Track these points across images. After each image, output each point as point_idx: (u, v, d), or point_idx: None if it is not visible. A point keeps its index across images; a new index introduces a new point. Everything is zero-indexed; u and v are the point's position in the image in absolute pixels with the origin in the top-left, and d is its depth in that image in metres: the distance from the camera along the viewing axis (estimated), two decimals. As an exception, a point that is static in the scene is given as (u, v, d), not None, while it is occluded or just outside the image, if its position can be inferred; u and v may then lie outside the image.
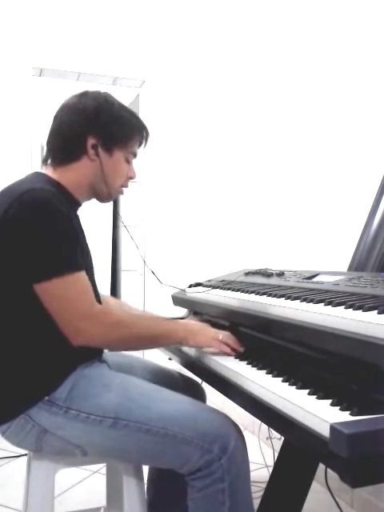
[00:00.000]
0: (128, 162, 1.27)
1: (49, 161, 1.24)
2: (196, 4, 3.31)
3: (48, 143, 1.25)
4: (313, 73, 2.13)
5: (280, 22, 2.40)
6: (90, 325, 1.08)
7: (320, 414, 0.74)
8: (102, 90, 1.27)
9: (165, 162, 3.61)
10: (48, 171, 1.23)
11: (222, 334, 1.21)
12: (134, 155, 1.29)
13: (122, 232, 4.23)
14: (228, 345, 1.19)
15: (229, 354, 1.18)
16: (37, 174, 1.21)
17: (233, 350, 1.19)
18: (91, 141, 1.19)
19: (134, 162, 1.32)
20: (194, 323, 1.29)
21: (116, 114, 1.22)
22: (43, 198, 1.07)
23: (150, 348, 1.30)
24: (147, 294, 3.90)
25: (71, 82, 3.80)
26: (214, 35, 3.14)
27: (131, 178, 1.30)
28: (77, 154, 1.20)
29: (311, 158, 2.14)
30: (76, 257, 1.09)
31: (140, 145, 1.30)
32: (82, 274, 1.09)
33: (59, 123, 1.22)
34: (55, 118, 1.23)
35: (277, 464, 1.51)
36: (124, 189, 1.31)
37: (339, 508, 1.62)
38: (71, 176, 1.21)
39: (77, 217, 1.23)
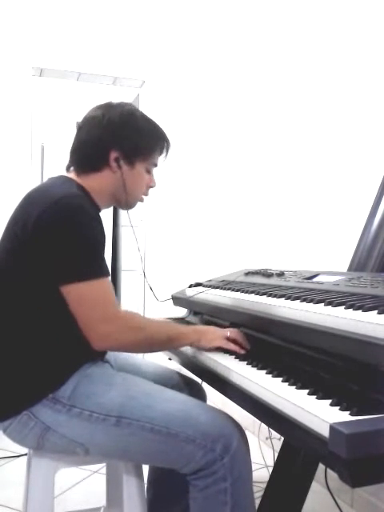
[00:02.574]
0: (148, 172, 1.31)
1: (71, 168, 1.27)
2: (196, 4, 3.31)
3: (72, 153, 1.27)
4: (313, 73, 2.13)
5: (280, 21, 2.40)
6: (114, 328, 1.10)
7: (320, 414, 0.74)
8: (127, 101, 1.30)
9: (165, 162, 3.61)
10: (72, 176, 1.25)
11: (230, 331, 1.24)
12: (155, 165, 1.33)
13: (124, 232, 4.22)
14: (237, 341, 1.22)
15: (236, 352, 1.19)
16: (65, 179, 1.23)
17: (240, 347, 1.21)
18: (114, 154, 1.22)
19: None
20: (200, 326, 1.35)
21: (139, 127, 1.25)
22: (79, 205, 1.11)
23: (164, 350, 1.37)
24: (147, 294, 3.90)
25: (71, 81, 3.80)
26: (213, 35, 3.14)
27: (151, 187, 1.34)
28: (99, 166, 1.24)
29: (311, 158, 2.14)
30: (105, 262, 1.13)
31: (160, 155, 1.33)
32: (109, 280, 1.13)
33: (84, 136, 1.25)
34: (80, 128, 1.26)
35: (277, 464, 1.51)
36: (144, 196, 1.34)
37: (339, 508, 1.62)
38: (94, 184, 1.24)
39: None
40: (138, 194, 1.32)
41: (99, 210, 1.28)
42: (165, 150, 1.33)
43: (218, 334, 1.24)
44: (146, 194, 1.35)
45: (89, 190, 1.23)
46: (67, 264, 1.08)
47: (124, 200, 1.29)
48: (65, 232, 1.07)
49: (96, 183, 1.24)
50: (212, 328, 1.28)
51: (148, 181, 1.32)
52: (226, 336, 1.23)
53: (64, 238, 1.07)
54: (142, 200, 1.35)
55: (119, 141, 1.22)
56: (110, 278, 1.13)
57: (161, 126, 1.32)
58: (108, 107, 1.26)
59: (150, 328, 1.18)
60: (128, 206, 1.33)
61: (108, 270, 1.13)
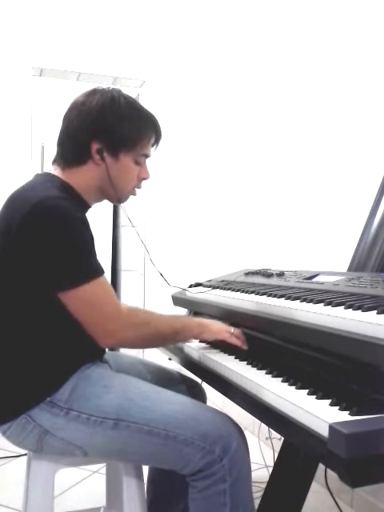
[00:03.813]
0: (138, 163, 1.22)
1: (58, 161, 1.21)
2: (196, 4, 3.31)
3: (57, 145, 1.21)
4: (313, 73, 2.13)
5: (280, 21, 2.40)
6: (118, 326, 1.09)
7: (319, 414, 0.74)
8: (112, 86, 1.22)
9: (165, 162, 3.61)
10: (57, 172, 1.20)
11: (234, 329, 1.24)
12: (146, 156, 1.23)
13: (125, 232, 4.23)
14: (239, 339, 1.23)
15: (237, 346, 1.21)
16: (48, 177, 1.18)
17: (242, 344, 1.22)
18: (95, 146, 1.15)
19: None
20: (204, 319, 1.34)
21: (121, 115, 1.16)
22: (60, 207, 1.05)
23: (170, 344, 1.36)
24: (147, 294, 3.91)
25: (71, 82, 3.80)
26: (213, 35, 3.14)
27: (144, 178, 1.25)
28: (82, 159, 1.17)
29: (311, 158, 2.14)
30: (97, 261, 1.10)
31: (152, 145, 1.24)
32: (105, 278, 1.10)
33: (66, 125, 1.18)
34: (64, 118, 1.20)
35: (277, 464, 1.51)
36: (137, 189, 1.27)
37: (339, 508, 1.62)
38: (79, 179, 1.18)
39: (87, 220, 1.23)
40: (127, 187, 1.23)
41: (88, 207, 1.23)
42: (154, 140, 1.23)
43: (221, 328, 1.24)
44: (139, 187, 1.26)
45: (74, 187, 1.17)
46: (59, 271, 1.04)
47: (112, 194, 1.22)
48: (48, 238, 1.03)
49: (81, 178, 1.18)
50: (215, 321, 1.28)
51: (139, 172, 1.23)
52: (230, 331, 1.23)
53: (49, 245, 1.03)
54: (134, 193, 1.26)
55: (100, 131, 1.14)
56: (104, 275, 1.10)
57: (151, 113, 1.22)
58: (91, 93, 1.18)
59: (155, 322, 1.17)
60: (118, 200, 1.25)
61: (102, 268, 1.10)
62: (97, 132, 1.15)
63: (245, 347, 1.21)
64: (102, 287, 1.08)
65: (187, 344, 1.38)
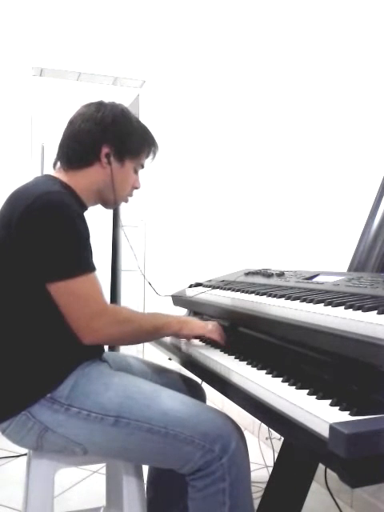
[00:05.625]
0: (135, 172, 1.32)
1: (58, 164, 1.27)
2: (196, 4, 3.31)
3: (61, 147, 1.27)
4: (313, 73, 2.13)
5: (280, 22, 2.40)
6: (103, 323, 1.11)
7: (320, 414, 0.74)
8: (117, 102, 1.32)
9: (165, 163, 3.61)
10: (58, 174, 1.25)
11: (211, 324, 1.31)
12: (142, 166, 1.34)
13: (125, 232, 4.23)
14: (217, 333, 1.30)
15: (216, 341, 1.29)
16: (49, 177, 1.24)
17: (220, 338, 1.29)
18: (105, 149, 1.23)
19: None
20: (183, 316, 1.40)
21: (131, 127, 1.27)
22: (61, 201, 1.10)
23: (151, 340, 1.42)
24: (147, 294, 3.91)
25: (71, 82, 3.80)
26: (213, 35, 3.14)
27: (136, 187, 1.35)
28: (90, 160, 1.24)
29: (311, 158, 2.14)
30: (91, 257, 1.13)
31: (148, 157, 1.35)
32: (95, 275, 1.13)
33: (76, 129, 1.25)
34: (72, 123, 1.27)
35: (277, 464, 1.51)
36: (129, 197, 1.36)
37: (339, 508, 1.62)
38: (81, 180, 1.24)
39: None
40: (125, 192, 1.32)
41: (85, 208, 1.28)
42: (153, 153, 1.35)
43: (198, 324, 1.30)
44: (131, 195, 1.36)
45: (74, 188, 1.22)
46: (53, 261, 1.08)
47: (110, 197, 1.30)
48: (47, 229, 1.07)
49: (83, 179, 1.24)
50: (193, 318, 1.35)
51: (134, 182, 1.33)
52: (208, 327, 1.29)
53: (47, 235, 1.07)
54: (126, 201, 1.36)
55: (111, 137, 1.23)
56: (95, 272, 1.13)
57: (150, 132, 1.34)
58: (102, 104, 1.28)
59: (138, 320, 1.20)
60: (114, 204, 1.34)
61: (94, 265, 1.13)
62: (109, 138, 1.24)
63: (222, 342, 1.28)
64: (91, 283, 1.11)
65: (186, 343, 1.38)
